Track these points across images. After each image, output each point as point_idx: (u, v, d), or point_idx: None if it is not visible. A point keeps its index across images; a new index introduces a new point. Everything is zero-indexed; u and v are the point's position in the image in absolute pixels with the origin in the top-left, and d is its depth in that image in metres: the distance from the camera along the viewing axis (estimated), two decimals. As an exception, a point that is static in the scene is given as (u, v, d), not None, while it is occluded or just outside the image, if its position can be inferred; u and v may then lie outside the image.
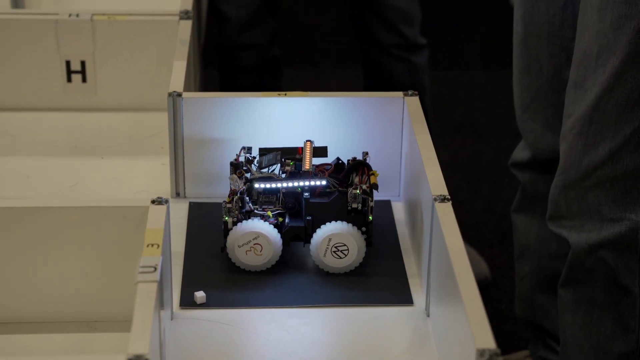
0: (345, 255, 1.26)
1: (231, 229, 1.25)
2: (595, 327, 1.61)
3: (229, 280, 1.25)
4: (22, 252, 1.16)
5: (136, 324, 0.94)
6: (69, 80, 1.66)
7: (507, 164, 1.86)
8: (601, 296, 1.59)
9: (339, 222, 1.26)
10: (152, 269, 1.02)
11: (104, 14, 1.65)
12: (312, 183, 1.27)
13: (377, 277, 1.27)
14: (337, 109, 1.41)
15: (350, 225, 1.26)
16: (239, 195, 1.26)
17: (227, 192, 1.29)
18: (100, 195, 1.44)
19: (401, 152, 1.43)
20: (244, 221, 1.25)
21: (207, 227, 1.34)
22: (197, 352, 1.13)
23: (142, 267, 1.03)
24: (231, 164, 1.31)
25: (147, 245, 1.06)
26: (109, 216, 1.15)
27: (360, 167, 1.30)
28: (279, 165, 1.31)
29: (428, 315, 1.21)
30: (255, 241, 1.25)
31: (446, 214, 1.14)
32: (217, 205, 1.32)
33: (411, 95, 1.41)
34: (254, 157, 1.33)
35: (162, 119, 1.59)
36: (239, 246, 1.25)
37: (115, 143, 1.59)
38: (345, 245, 1.26)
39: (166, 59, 1.62)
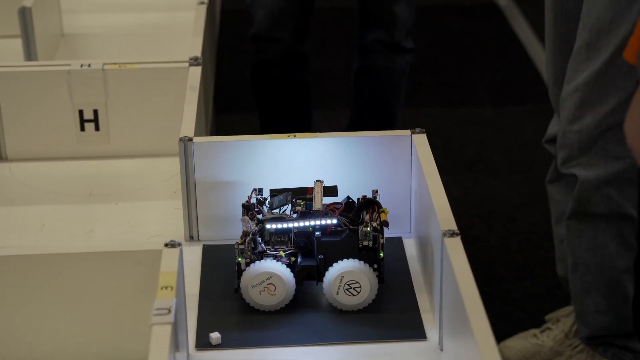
0: (358, 293, 1.27)
1: (244, 270, 1.27)
2: (600, 249, 1.89)
3: (244, 320, 1.27)
4: (38, 298, 1.17)
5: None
6: (82, 129, 1.69)
7: (542, 141, 2.05)
8: (604, 223, 1.88)
9: (350, 260, 1.27)
10: (167, 311, 1.03)
11: (114, 63, 1.67)
12: (323, 222, 1.29)
13: (390, 313, 1.28)
14: (346, 148, 1.42)
15: (362, 262, 1.27)
16: (251, 236, 1.28)
17: (240, 234, 1.31)
18: (115, 241, 1.46)
19: (411, 189, 1.44)
20: (257, 262, 1.27)
21: (221, 269, 1.36)
22: (213, 393, 1.15)
23: (157, 309, 1.04)
24: (243, 205, 1.33)
25: (161, 288, 1.08)
26: (123, 261, 1.16)
27: (370, 205, 1.32)
28: (290, 205, 1.33)
29: (442, 350, 1.22)
30: (268, 281, 1.26)
31: (455, 248, 1.15)
32: (230, 247, 1.34)
33: (419, 132, 1.42)
34: (265, 199, 1.35)
35: (174, 164, 1.61)
36: (252, 286, 1.26)
37: (128, 189, 1.61)
38: (357, 282, 1.27)
39: (177, 105, 1.65)
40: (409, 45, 2.58)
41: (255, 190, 1.36)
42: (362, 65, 2.65)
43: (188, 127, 1.45)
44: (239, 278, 1.27)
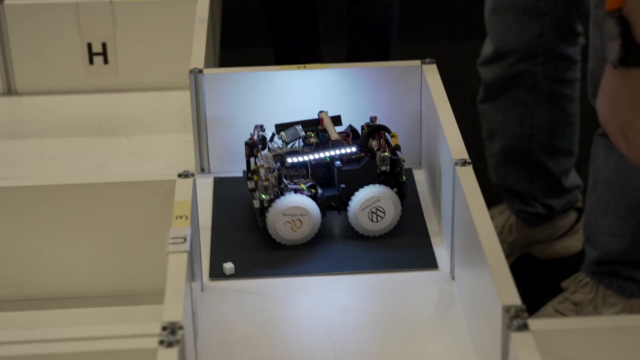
0: (383, 218, 1.27)
1: (268, 206, 1.26)
2: (626, 170, 1.88)
3: (256, 251, 1.27)
4: (54, 229, 1.17)
5: (169, 292, 0.96)
6: (91, 62, 1.68)
7: (477, 64, 2.17)
8: None
9: (374, 185, 1.27)
10: (182, 240, 1.04)
11: (122, -4, 1.66)
12: (343, 151, 1.28)
13: (402, 244, 1.28)
14: (355, 79, 1.41)
15: (385, 187, 1.27)
16: (276, 171, 1.26)
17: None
18: (127, 173, 1.46)
19: (421, 120, 1.44)
20: (288, 196, 1.25)
21: (233, 200, 1.36)
22: (228, 321, 1.15)
23: (172, 238, 1.04)
24: (246, 144, 1.32)
25: (176, 218, 1.08)
26: (137, 191, 1.16)
27: (377, 130, 1.31)
28: (300, 139, 1.32)
29: (453, 279, 1.22)
30: (297, 217, 1.25)
31: (467, 177, 1.15)
32: (240, 180, 1.34)
33: (429, 63, 1.41)
34: (272, 135, 1.33)
35: (183, 97, 1.61)
36: (283, 214, 1.25)
37: (138, 122, 1.60)
38: (382, 208, 1.26)
39: (185, 38, 1.64)
40: None
41: (257, 127, 1.34)
42: None
43: (198, 58, 1.44)
44: (262, 215, 1.26)
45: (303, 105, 1.41)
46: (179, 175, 1.16)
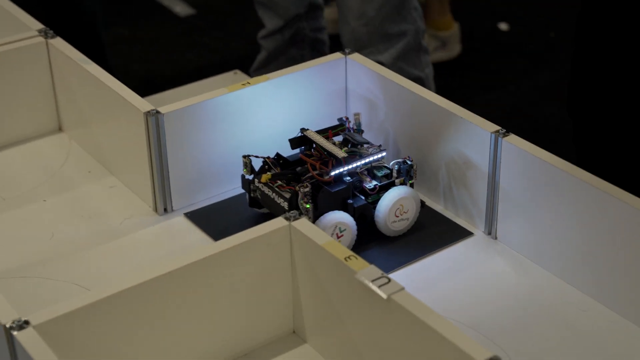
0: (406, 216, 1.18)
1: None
2: None
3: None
4: (184, 307, 0.95)
5: (446, 332, 0.83)
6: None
7: (257, 38, 2.13)
8: None
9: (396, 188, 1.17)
10: (387, 279, 0.89)
11: (-34, 53, 1.34)
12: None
13: (426, 230, 1.20)
14: (294, 84, 1.28)
15: (406, 187, 1.18)
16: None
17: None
18: (81, 236, 1.20)
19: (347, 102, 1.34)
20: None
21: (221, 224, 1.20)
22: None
23: (374, 281, 0.89)
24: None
25: (345, 259, 0.92)
26: (255, 246, 0.97)
27: None
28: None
29: (495, 238, 1.18)
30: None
31: (518, 141, 1.11)
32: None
33: (350, 52, 1.32)
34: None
35: (57, 144, 1.38)
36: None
37: (37, 184, 1.31)
38: (405, 208, 1.17)
39: (40, 82, 1.38)
40: None
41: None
42: None
43: (138, 102, 1.22)
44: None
45: (257, 120, 1.26)
46: (287, 219, 0.99)
